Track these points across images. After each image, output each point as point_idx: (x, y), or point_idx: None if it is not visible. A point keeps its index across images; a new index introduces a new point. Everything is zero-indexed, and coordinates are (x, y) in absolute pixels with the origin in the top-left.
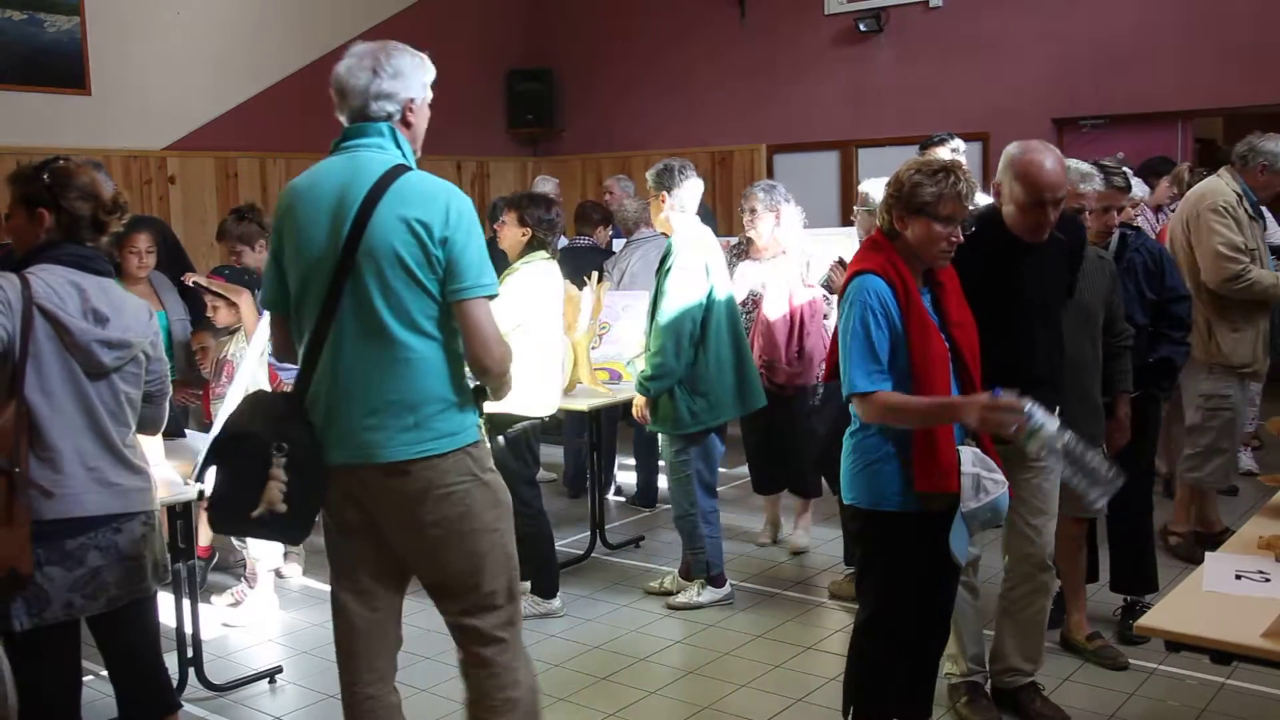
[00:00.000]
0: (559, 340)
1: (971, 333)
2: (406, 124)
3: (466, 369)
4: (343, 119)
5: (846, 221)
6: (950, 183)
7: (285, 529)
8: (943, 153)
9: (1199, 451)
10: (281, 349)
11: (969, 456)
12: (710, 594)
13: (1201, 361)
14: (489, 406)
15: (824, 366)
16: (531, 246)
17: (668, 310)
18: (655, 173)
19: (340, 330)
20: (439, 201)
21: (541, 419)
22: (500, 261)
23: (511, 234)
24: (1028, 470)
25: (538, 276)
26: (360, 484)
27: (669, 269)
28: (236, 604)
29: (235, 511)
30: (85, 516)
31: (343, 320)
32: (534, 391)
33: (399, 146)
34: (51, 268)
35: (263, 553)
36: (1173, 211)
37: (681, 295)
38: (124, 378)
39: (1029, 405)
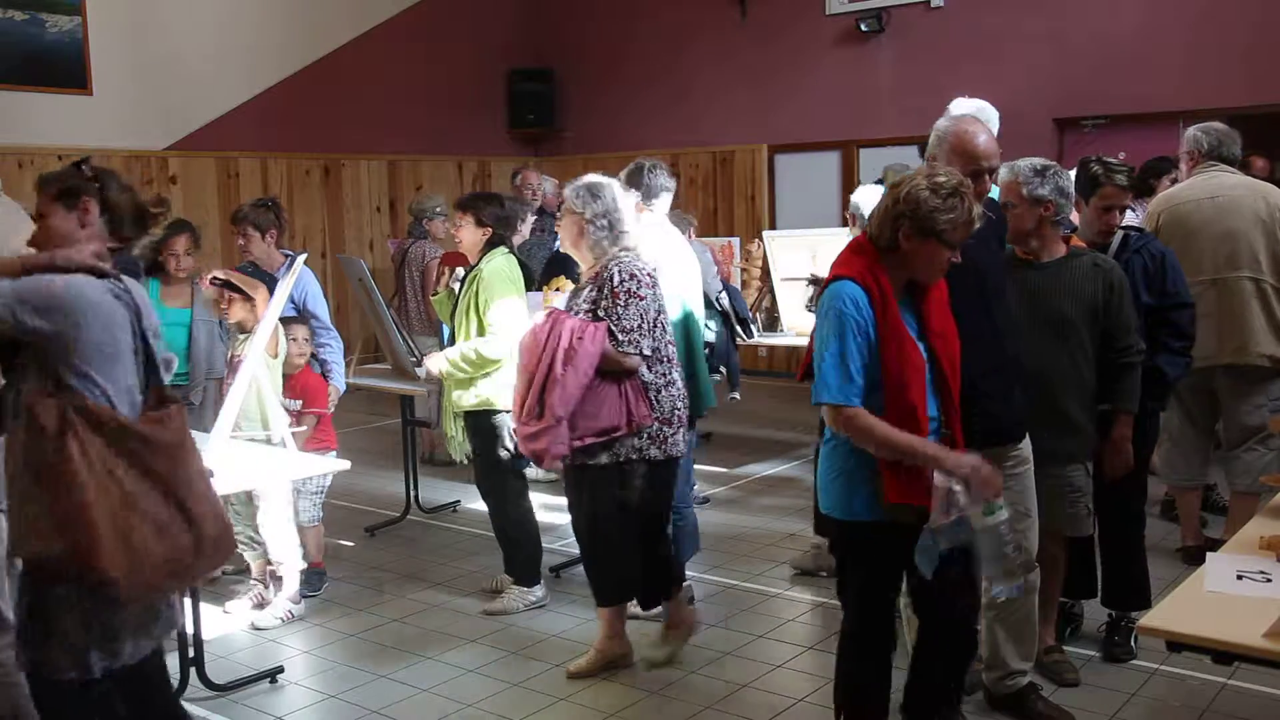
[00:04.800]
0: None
1: (953, 343)
2: None
3: None
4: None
5: (845, 222)
6: (965, 208)
7: None
8: None
9: (1270, 459)
10: None
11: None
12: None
13: (1274, 365)
14: (468, 402)
15: (799, 368)
16: (492, 244)
17: None
18: (625, 173)
19: None
20: None
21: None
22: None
23: (471, 235)
24: (1007, 478)
25: (505, 271)
26: None
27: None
28: (260, 605)
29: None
30: None
31: None
32: (509, 383)
33: None
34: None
35: (287, 555)
36: None
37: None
38: None
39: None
